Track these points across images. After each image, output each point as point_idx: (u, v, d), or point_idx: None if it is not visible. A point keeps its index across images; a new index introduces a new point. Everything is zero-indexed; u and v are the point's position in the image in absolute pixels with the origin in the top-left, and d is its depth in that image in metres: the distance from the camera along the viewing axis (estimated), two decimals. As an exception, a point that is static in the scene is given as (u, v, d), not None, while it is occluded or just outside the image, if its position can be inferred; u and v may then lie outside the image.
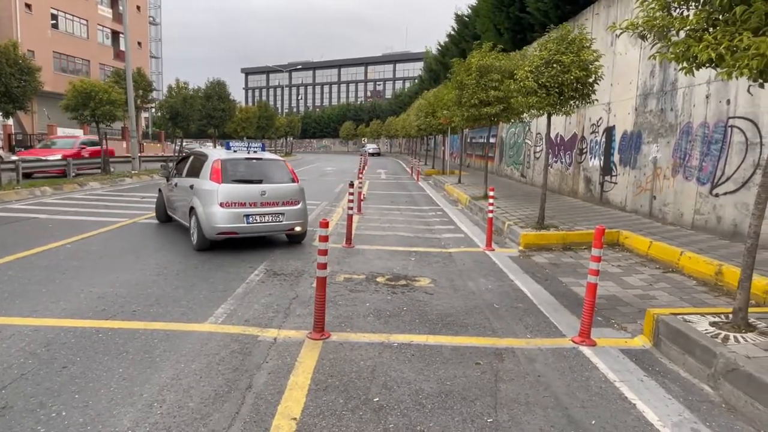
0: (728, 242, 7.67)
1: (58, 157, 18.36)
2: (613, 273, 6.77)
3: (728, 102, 8.13)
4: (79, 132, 32.51)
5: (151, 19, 62.88)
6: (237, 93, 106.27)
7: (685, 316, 4.40)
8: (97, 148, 21.01)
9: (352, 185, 9.39)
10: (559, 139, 15.42)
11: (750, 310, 4.25)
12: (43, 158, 18.06)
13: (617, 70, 11.83)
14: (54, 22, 36.72)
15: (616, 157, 11.86)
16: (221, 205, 7.24)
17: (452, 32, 33.52)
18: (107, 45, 43.13)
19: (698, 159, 8.83)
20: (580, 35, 8.34)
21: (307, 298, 5.43)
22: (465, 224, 10.90)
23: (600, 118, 12.73)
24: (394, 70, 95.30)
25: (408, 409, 3.27)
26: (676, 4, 4.15)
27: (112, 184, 17.69)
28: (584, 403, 3.42)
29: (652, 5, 4.23)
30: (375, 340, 4.37)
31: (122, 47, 37.16)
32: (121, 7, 27.62)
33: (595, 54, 8.26)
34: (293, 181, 8.05)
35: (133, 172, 20.98)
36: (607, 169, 12.28)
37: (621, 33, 4.65)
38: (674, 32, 4.17)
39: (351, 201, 8.93)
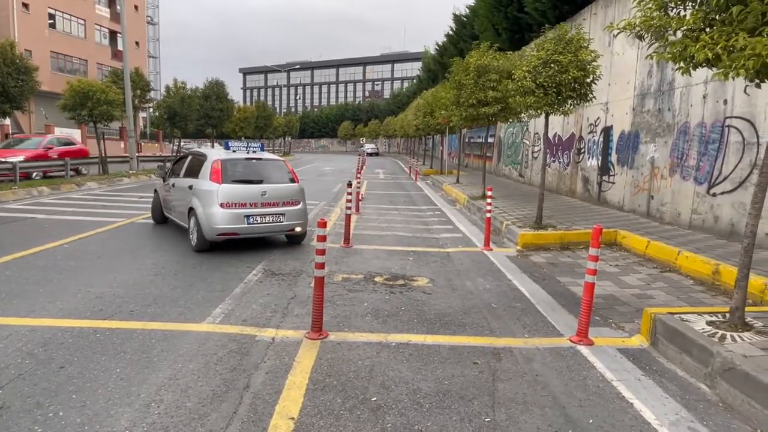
0: (725, 242, 7.69)
1: (21, 158, 16.40)
2: (611, 272, 6.79)
3: (725, 102, 8.16)
4: (77, 132, 32.46)
5: (149, 18, 62.77)
6: (235, 93, 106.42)
7: (683, 316, 4.41)
8: (69, 148, 19.51)
9: (350, 185, 9.39)
10: (557, 139, 15.44)
11: (747, 309, 4.26)
12: (1, 159, 16.02)
13: (615, 70, 11.85)
14: (51, 21, 36.64)
15: (613, 157, 11.88)
16: (221, 205, 7.20)
17: (450, 32, 33.55)
18: (105, 45, 43.05)
19: (695, 159, 8.85)
20: (577, 35, 8.36)
21: (305, 298, 5.42)
22: (463, 224, 10.91)
23: (598, 118, 12.75)
24: (393, 70, 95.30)
25: (406, 409, 3.27)
26: (673, 4, 4.16)
27: (110, 184, 17.66)
28: (582, 403, 3.43)
29: (649, 5, 4.24)
30: (373, 340, 4.37)
31: (120, 47, 37.09)
32: (118, 7, 27.57)
33: (593, 54, 8.28)
34: (293, 181, 8.03)
35: (130, 172, 20.94)
36: (604, 169, 12.30)
37: (618, 33, 4.66)
38: (671, 32, 4.18)
39: (349, 201, 8.93)
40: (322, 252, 4.38)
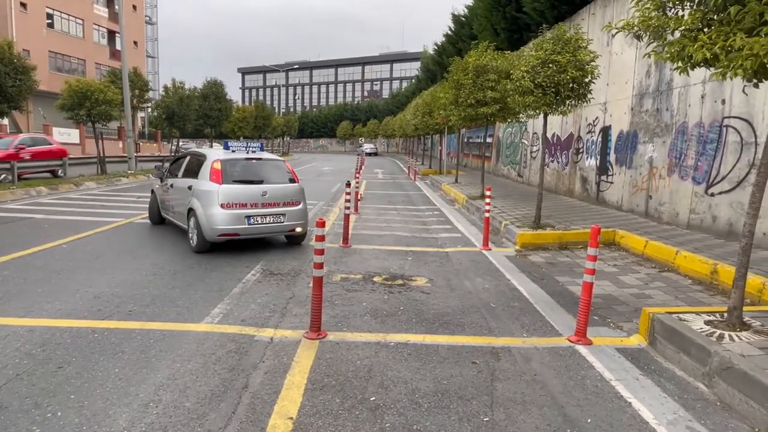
0: (723, 241, 7.70)
1: None
2: (609, 272, 6.80)
3: (723, 102, 8.17)
4: (74, 132, 32.42)
5: (148, 18, 62.68)
6: (234, 92, 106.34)
7: (681, 315, 4.41)
8: (43, 148, 18.46)
9: (349, 185, 9.39)
10: (555, 138, 15.45)
11: (745, 308, 4.27)
12: None
13: (613, 70, 11.86)
14: (49, 21, 36.61)
15: (612, 157, 11.89)
16: (222, 206, 7.16)
17: (449, 32, 33.54)
18: (103, 44, 43.02)
19: (694, 158, 8.87)
20: (576, 35, 8.37)
21: (303, 298, 5.42)
22: (462, 224, 10.92)
23: (596, 118, 12.76)
24: (391, 70, 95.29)
25: (404, 409, 3.27)
26: (671, 4, 4.16)
27: (108, 184, 17.64)
28: (580, 402, 3.43)
29: (648, 5, 4.24)
30: (371, 340, 4.37)
31: (118, 47, 37.08)
32: (117, 7, 27.56)
33: (591, 54, 8.28)
34: (293, 181, 8.00)
35: (129, 172, 20.93)
36: (603, 169, 12.31)
37: (617, 33, 4.66)
38: (669, 32, 4.19)
39: (348, 201, 8.93)
40: (320, 252, 4.38)
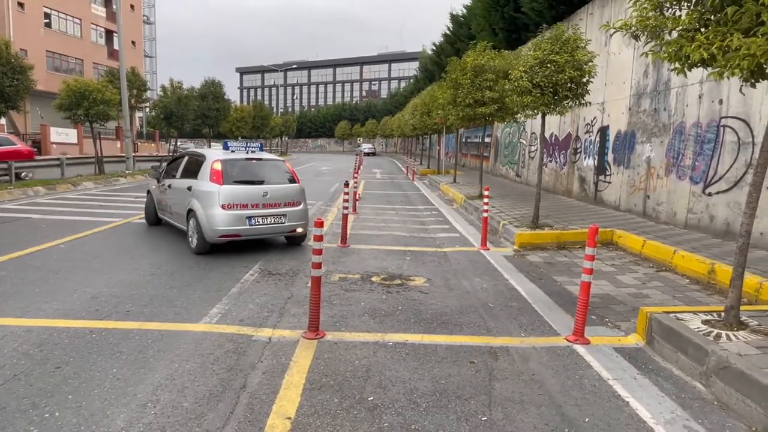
0: (720, 241, 7.72)
1: None
2: (607, 272, 6.81)
3: (720, 102, 8.19)
4: (72, 132, 32.33)
5: (145, 18, 62.57)
6: (232, 92, 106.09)
7: (678, 315, 4.43)
8: (8, 149, 17.12)
9: (347, 185, 9.39)
10: (553, 138, 15.47)
11: (742, 308, 4.28)
12: None
13: (611, 70, 11.88)
14: (47, 20, 36.49)
15: (610, 157, 11.91)
16: (223, 206, 7.11)
17: (447, 32, 33.56)
18: (101, 44, 42.90)
19: (691, 158, 8.89)
20: (574, 35, 8.38)
21: (302, 298, 5.42)
22: (460, 224, 10.92)
23: (594, 118, 12.78)
24: (390, 70, 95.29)
25: (403, 408, 3.27)
26: (668, 5, 4.17)
27: (106, 184, 17.61)
28: (578, 401, 3.44)
29: (645, 5, 4.26)
30: (370, 340, 4.37)
31: (116, 46, 36.93)
32: (114, 6, 27.51)
33: (589, 54, 8.30)
34: (294, 181, 7.96)
35: (127, 172, 20.91)
36: (601, 169, 12.33)
37: (614, 33, 4.68)
38: (667, 32, 4.20)
39: (346, 201, 8.93)
40: (319, 252, 4.38)
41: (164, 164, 9.65)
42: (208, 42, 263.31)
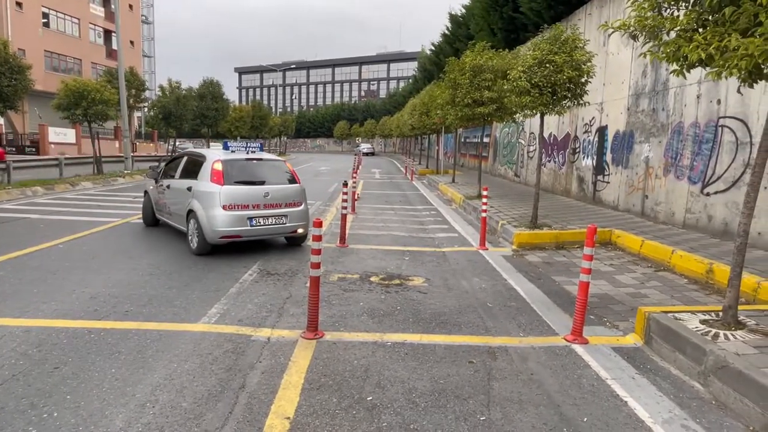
0: (719, 241, 7.74)
1: None
2: (606, 272, 6.82)
3: (719, 102, 8.21)
4: (71, 132, 32.29)
5: (144, 17, 62.54)
6: (231, 92, 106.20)
7: (676, 314, 4.43)
8: None
9: (346, 185, 9.39)
10: (552, 138, 15.48)
11: (740, 307, 4.29)
12: None
13: (609, 70, 11.90)
14: (45, 20, 36.45)
15: (608, 157, 11.92)
16: (224, 207, 7.07)
17: (446, 32, 33.58)
18: (99, 44, 42.86)
19: (689, 158, 8.90)
20: (572, 35, 8.39)
21: (300, 298, 5.42)
22: (459, 223, 10.93)
23: (593, 118, 12.80)
24: (388, 70, 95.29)
25: (401, 408, 3.28)
26: (666, 5, 4.18)
27: (105, 184, 17.59)
28: (576, 401, 3.44)
29: (643, 5, 4.27)
30: (368, 340, 4.38)
31: (114, 46, 36.92)
32: (113, 6, 27.48)
33: (587, 54, 8.31)
34: (295, 181, 7.93)
35: (125, 171, 20.88)
36: (599, 169, 12.35)
37: (613, 33, 4.68)
38: (665, 32, 4.21)
39: (345, 200, 8.93)
40: (317, 252, 4.38)
41: (162, 164, 9.59)
42: (207, 42, 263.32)
